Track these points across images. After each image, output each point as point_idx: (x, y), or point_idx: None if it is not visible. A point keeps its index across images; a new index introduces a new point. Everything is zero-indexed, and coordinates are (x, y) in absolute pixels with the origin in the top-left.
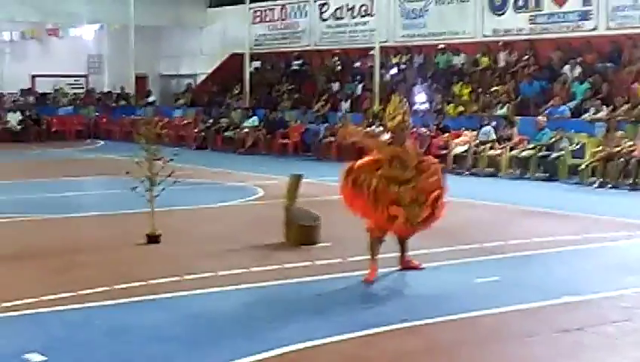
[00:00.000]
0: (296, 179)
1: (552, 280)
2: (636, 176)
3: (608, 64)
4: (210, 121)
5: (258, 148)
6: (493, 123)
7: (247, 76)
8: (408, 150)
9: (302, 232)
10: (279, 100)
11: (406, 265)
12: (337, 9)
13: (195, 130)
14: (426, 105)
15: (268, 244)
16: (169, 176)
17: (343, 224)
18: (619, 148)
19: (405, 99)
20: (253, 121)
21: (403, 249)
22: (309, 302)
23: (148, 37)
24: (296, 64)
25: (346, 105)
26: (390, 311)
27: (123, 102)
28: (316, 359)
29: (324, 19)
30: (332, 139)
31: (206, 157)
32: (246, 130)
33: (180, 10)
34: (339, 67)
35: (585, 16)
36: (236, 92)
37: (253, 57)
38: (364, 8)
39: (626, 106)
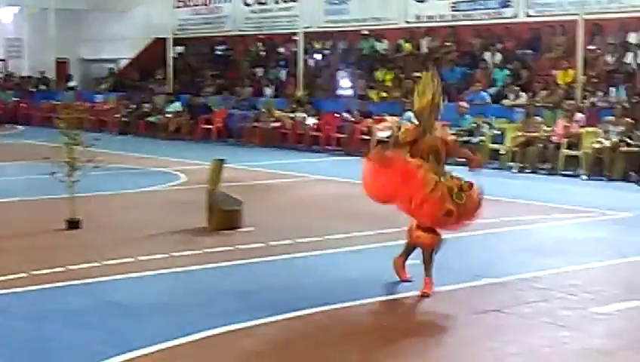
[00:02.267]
0: (219, 164)
1: (471, 262)
2: (554, 161)
3: (528, 51)
4: (133, 106)
5: (181, 134)
6: None
7: (170, 61)
8: (441, 137)
9: (224, 217)
10: (203, 85)
11: (396, 269)
12: None
13: (117, 116)
14: (350, 91)
15: (190, 229)
16: (89, 161)
17: (265, 209)
18: (537, 134)
19: (438, 77)
20: (177, 106)
21: (408, 253)
22: (231, 286)
23: (68, 20)
24: (219, 49)
25: (270, 91)
26: (311, 294)
27: (43, 87)
28: (237, 343)
29: (248, 5)
30: (256, 124)
31: (128, 142)
32: (169, 115)
33: None
34: (263, 52)
35: (505, 3)
36: (159, 77)
37: (177, 42)
38: None
39: (544, 93)
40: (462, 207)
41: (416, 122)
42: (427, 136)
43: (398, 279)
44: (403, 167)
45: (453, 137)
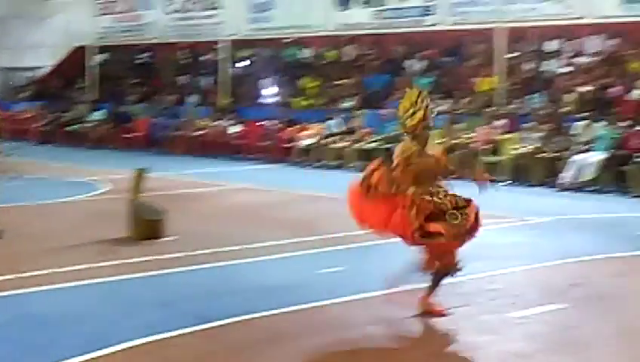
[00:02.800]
0: (141, 173)
1: (394, 269)
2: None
3: (450, 59)
4: (55, 114)
5: (104, 143)
6: (340, 116)
7: (91, 69)
8: (435, 156)
9: (147, 226)
10: (126, 94)
11: (425, 308)
12: (185, 1)
13: (38, 125)
14: (274, 99)
15: (112, 239)
16: (8, 170)
17: (188, 218)
18: (459, 141)
19: (425, 93)
20: (100, 114)
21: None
22: (153, 296)
23: None
24: (142, 57)
25: (193, 99)
26: (233, 303)
27: None
28: (159, 353)
29: (172, 12)
30: (179, 133)
31: (50, 151)
32: (92, 124)
33: (19, 0)
34: (186, 60)
35: (427, 12)
36: (81, 85)
37: (99, 50)
38: (210, 1)
39: (466, 100)
40: (456, 226)
41: (410, 141)
42: (422, 156)
43: (435, 316)
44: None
45: (445, 158)
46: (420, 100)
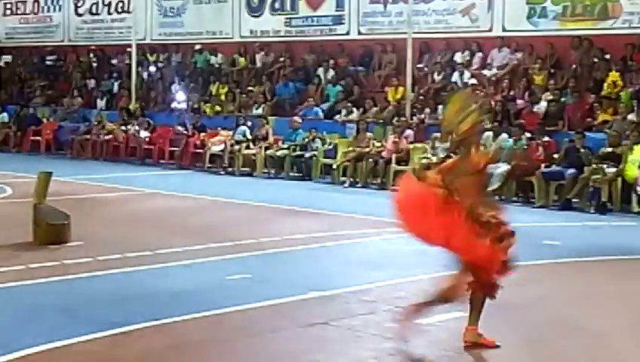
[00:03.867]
0: (46, 177)
1: (300, 276)
2: (384, 175)
3: (360, 68)
4: None
5: (8, 145)
6: (249, 123)
7: None
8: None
9: (51, 231)
10: (32, 96)
11: (474, 340)
12: (93, 4)
13: None
14: (184, 105)
15: (14, 244)
16: None
17: (95, 223)
18: (368, 149)
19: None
20: (3, 117)
21: (477, 310)
22: (55, 302)
23: None
24: (50, 59)
25: (102, 103)
26: (139, 309)
27: None
28: (61, 360)
29: (80, 15)
30: (87, 136)
31: None
32: None
33: None
34: (95, 64)
35: (338, 20)
36: None
37: (4, 51)
38: (120, 5)
39: (375, 109)
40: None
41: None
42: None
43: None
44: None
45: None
46: (468, 104)
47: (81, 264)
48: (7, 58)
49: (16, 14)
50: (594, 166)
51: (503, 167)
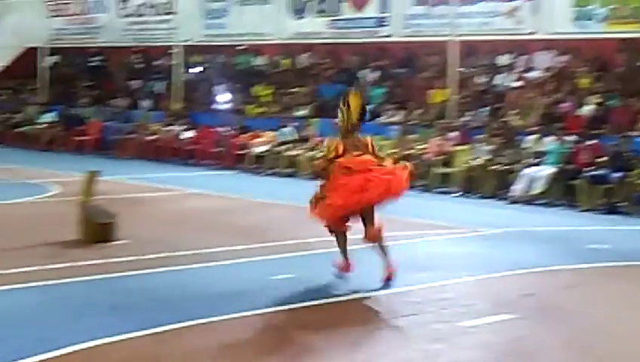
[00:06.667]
0: (93, 176)
1: (343, 277)
2: (428, 178)
3: (403, 70)
4: (4, 116)
5: (55, 145)
6: (293, 124)
7: (43, 71)
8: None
9: (98, 230)
10: (78, 96)
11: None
12: (139, 5)
13: None
14: (227, 105)
15: (62, 242)
16: None
17: (140, 222)
18: (412, 152)
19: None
20: (50, 117)
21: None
22: (102, 299)
23: None
24: (95, 60)
25: (146, 104)
26: (185, 308)
27: None
28: (108, 356)
29: (125, 16)
30: (131, 136)
31: None
32: (42, 126)
33: None
34: (139, 65)
35: (381, 22)
36: (32, 87)
37: (51, 52)
38: (166, 6)
39: (419, 111)
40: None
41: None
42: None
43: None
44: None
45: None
46: (359, 101)
47: (127, 262)
48: (54, 59)
49: (63, 16)
50: None
51: (547, 170)
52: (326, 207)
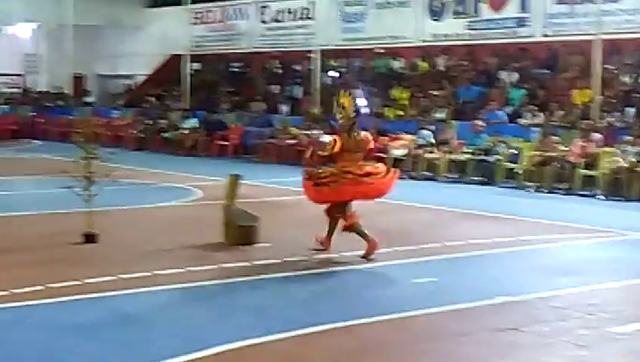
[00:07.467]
0: (235, 180)
1: (486, 281)
2: (570, 180)
3: (544, 70)
4: (149, 122)
5: (197, 150)
6: (432, 127)
7: (186, 78)
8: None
9: (240, 232)
10: (218, 102)
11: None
12: (278, 12)
13: (133, 131)
14: (365, 109)
15: (206, 244)
16: (107, 176)
17: (282, 225)
18: (554, 154)
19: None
20: (193, 122)
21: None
22: (246, 301)
23: (85, 36)
24: (235, 66)
25: (286, 108)
26: (327, 310)
27: (60, 103)
28: (253, 358)
29: (265, 22)
30: (272, 141)
31: (144, 158)
32: (185, 131)
33: (118, 10)
34: (278, 70)
35: (521, 22)
36: (175, 93)
37: (193, 59)
38: (304, 12)
39: (561, 112)
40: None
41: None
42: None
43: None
44: None
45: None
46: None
47: (270, 265)
48: (196, 66)
49: (204, 23)
50: None
51: None
52: (338, 189)
